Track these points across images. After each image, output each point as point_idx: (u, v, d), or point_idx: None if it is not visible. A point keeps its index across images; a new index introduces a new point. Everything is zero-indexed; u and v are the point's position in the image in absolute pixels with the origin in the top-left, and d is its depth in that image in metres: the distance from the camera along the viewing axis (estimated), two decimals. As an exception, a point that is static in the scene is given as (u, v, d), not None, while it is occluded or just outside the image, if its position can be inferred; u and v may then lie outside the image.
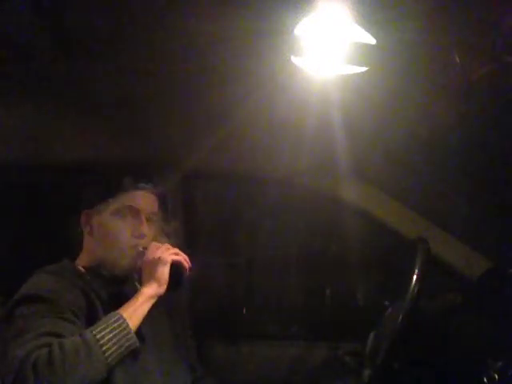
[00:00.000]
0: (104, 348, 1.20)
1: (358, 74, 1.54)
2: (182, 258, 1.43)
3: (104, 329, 1.23)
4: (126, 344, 1.24)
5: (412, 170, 2.11)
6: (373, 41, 1.39)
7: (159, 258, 1.38)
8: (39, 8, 1.32)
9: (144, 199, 1.51)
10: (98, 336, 1.21)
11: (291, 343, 2.27)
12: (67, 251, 1.55)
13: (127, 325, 1.26)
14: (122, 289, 1.50)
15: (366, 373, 1.77)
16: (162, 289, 1.38)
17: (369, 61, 1.49)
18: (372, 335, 1.90)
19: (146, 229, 1.48)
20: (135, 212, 1.48)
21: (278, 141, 1.96)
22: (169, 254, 1.40)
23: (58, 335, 1.21)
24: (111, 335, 1.22)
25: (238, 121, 1.87)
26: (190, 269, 1.44)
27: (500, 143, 1.92)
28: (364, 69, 1.53)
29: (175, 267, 1.41)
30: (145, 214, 1.49)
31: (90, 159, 1.98)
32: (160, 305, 1.57)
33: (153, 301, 1.36)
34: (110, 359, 1.20)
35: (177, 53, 1.52)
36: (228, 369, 2.17)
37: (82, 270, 1.48)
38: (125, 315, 1.27)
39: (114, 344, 1.22)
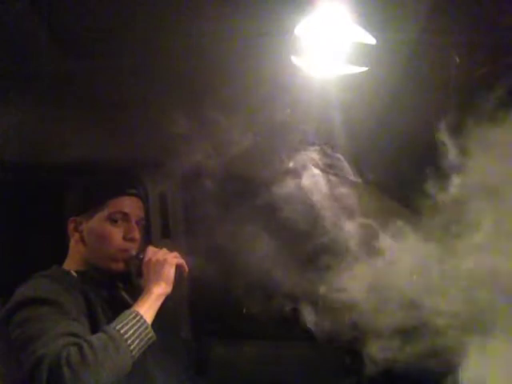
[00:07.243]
0: (129, 342, 1.28)
1: (358, 74, 1.54)
2: (183, 261, 1.52)
3: (125, 325, 1.31)
4: (146, 338, 1.33)
5: (412, 170, 2.10)
6: (373, 41, 1.39)
7: (165, 259, 1.47)
8: (37, 7, 1.32)
9: (132, 204, 1.55)
10: (121, 331, 1.29)
11: (291, 343, 2.27)
12: (64, 252, 1.56)
13: (145, 320, 1.35)
14: (114, 290, 1.56)
15: (366, 373, 1.77)
16: (169, 288, 1.45)
17: (369, 61, 1.49)
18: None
19: (136, 233, 1.53)
20: (126, 217, 1.52)
21: (277, 141, 1.96)
22: (173, 257, 1.49)
23: (76, 335, 1.26)
24: (133, 330, 1.31)
25: (237, 121, 1.87)
26: (189, 271, 1.53)
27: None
28: (364, 69, 1.53)
29: (177, 269, 1.49)
30: (134, 218, 1.54)
31: (88, 159, 1.97)
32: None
33: (162, 299, 1.43)
34: (134, 352, 1.29)
35: (176, 53, 1.52)
36: (228, 369, 2.17)
37: (74, 274, 1.50)
38: (141, 312, 1.36)
39: (137, 338, 1.31)
